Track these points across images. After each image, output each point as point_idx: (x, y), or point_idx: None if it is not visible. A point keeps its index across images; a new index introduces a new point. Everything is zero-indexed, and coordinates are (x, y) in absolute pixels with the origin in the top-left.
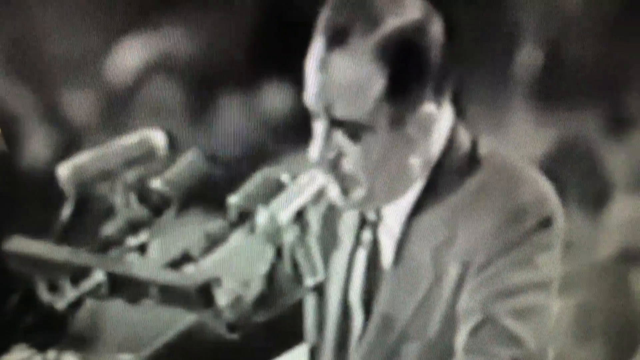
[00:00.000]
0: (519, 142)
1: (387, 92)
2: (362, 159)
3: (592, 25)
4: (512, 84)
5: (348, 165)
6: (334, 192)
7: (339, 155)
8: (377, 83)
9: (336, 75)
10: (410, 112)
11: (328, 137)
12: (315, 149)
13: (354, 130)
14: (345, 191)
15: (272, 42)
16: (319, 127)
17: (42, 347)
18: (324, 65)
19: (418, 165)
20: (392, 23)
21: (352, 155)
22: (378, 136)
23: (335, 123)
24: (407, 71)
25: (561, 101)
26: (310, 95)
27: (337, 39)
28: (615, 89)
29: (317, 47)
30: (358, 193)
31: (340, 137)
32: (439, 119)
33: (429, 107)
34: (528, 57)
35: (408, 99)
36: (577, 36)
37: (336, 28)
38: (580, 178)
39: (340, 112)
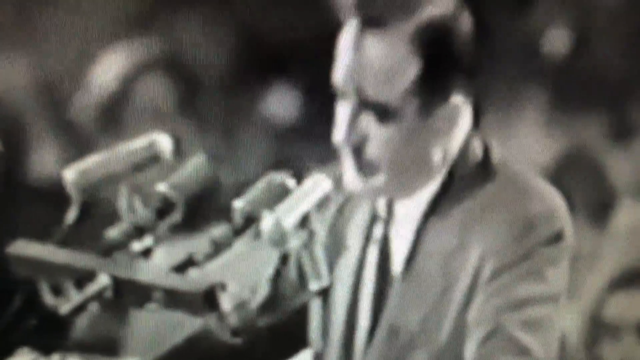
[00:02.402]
0: (526, 149)
1: (420, 78)
2: (386, 144)
3: (601, 35)
4: (521, 92)
5: (371, 149)
6: (350, 176)
7: (364, 139)
8: (412, 68)
9: (371, 56)
10: (440, 101)
11: (355, 119)
12: (341, 130)
13: (382, 114)
14: (363, 176)
15: (277, 45)
16: (346, 108)
17: (46, 350)
18: (358, 46)
19: (437, 160)
20: (430, 11)
21: (376, 139)
22: (404, 122)
23: (363, 105)
24: (441, 60)
25: (568, 109)
26: (342, 74)
27: (374, 20)
28: (622, 98)
29: (352, 26)
30: (377, 179)
31: (366, 120)
32: (464, 116)
33: (457, 100)
34: (537, 66)
35: (439, 87)
36: (585, 46)
37: (373, 9)
38: (585, 185)
39: (371, 94)
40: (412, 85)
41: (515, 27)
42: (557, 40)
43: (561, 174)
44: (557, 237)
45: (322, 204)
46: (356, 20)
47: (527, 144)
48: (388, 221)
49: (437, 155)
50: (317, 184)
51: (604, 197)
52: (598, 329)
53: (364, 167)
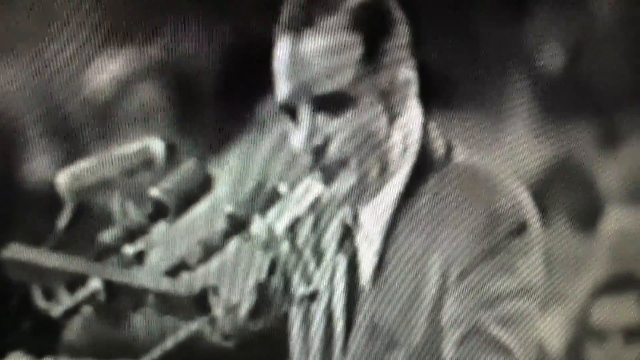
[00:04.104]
0: (516, 157)
1: (365, 56)
2: (350, 136)
3: (591, 47)
4: (510, 101)
5: (335, 148)
6: (316, 184)
7: (326, 141)
8: (355, 49)
9: (312, 55)
10: (390, 76)
11: (313, 124)
12: (301, 138)
13: (339, 107)
14: (331, 181)
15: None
16: (303, 115)
17: (38, 354)
18: (296, 53)
19: (399, 144)
20: None
21: (339, 136)
22: (362, 107)
23: (318, 106)
24: (380, 34)
25: (557, 118)
26: (288, 87)
27: (304, 23)
28: (609, 107)
29: (284, 42)
30: (345, 181)
31: (324, 122)
32: (414, 91)
33: (406, 72)
34: (526, 75)
35: (385, 62)
36: (575, 57)
37: (300, 14)
38: (574, 192)
39: (324, 88)
40: (359, 66)
41: (506, 38)
42: (547, 51)
43: (550, 181)
44: (523, 228)
45: (313, 208)
46: (287, 32)
47: (517, 152)
48: (353, 230)
49: (398, 138)
50: (309, 188)
51: (592, 204)
52: (584, 333)
53: (329, 170)
